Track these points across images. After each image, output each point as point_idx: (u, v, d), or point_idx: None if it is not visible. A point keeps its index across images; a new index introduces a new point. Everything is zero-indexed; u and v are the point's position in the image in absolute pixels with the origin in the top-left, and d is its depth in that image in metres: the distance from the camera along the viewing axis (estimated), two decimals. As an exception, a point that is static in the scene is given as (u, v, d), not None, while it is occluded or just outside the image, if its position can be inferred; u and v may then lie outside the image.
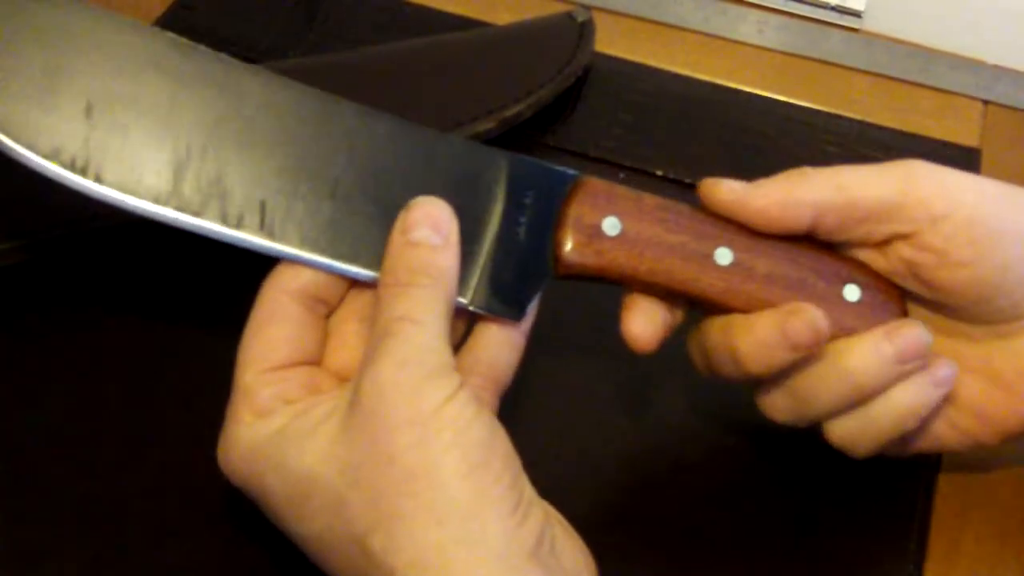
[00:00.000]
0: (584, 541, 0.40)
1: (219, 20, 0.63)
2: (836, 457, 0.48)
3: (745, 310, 0.43)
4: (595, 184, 0.43)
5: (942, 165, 0.43)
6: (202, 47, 0.42)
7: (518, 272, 0.42)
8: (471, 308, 0.42)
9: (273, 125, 0.41)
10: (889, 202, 0.42)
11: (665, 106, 0.62)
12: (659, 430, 0.49)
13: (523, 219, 0.43)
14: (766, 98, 0.63)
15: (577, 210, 0.43)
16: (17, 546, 0.44)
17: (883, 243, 0.43)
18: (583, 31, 0.62)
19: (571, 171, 0.43)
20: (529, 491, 0.38)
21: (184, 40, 0.42)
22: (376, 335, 0.39)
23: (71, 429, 0.47)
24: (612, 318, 0.45)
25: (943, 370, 0.43)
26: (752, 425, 0.49)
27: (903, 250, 0.43)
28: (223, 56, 0.42)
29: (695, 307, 0.44)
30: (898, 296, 0.44)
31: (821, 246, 0.44)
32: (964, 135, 0.63)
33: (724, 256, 0.43)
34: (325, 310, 0.42)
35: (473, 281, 0.42)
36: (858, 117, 0.63)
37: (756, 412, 0.49)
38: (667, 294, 0.43)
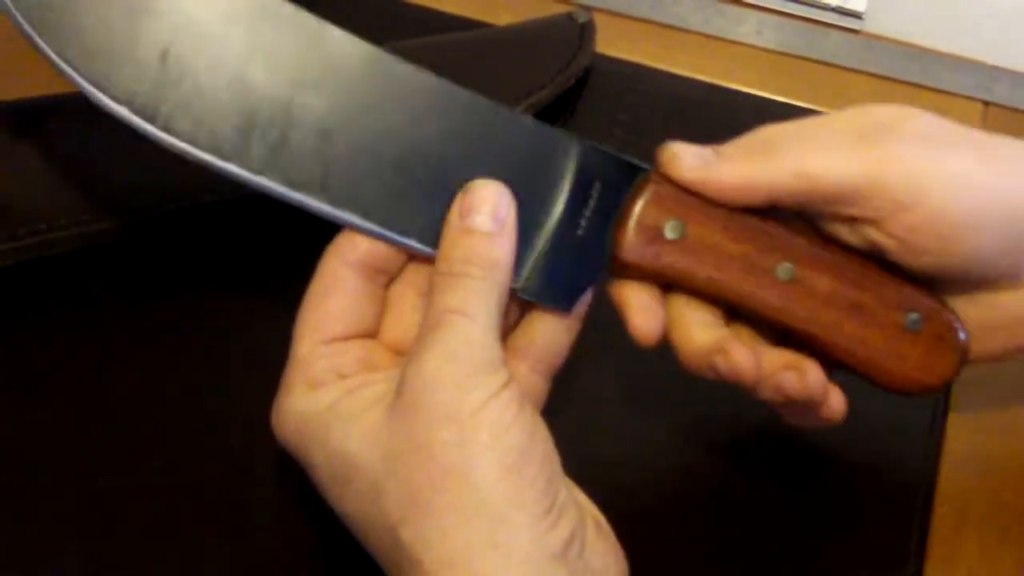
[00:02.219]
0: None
1: (219, 21, 0.63)
2: (836, 458, 0.48)
3: (800, 328, 0.42)
4: (664, 182, 0.42)
5: (930, 139, 0.42)
6: (288, 3, 0.41)
7: (574, 264, 0.41)
8: (521, 295, 0.41)
9: (346, 87, 0.40)
10: (851, 190, 0.41)
11: (665, 107, 0.62)
12: (659, 431, 0.49)
13: (586, 211, 0.41)
14: (766, 99, 0.63)
15: (642, 208, 0.41)
16: (17, 546, 0.44)
17: (849, 220, 0.42)
18: (583, 32, 0.62)
19: (643, 165, 0.42)
20: (564, 492, 0.38)
21: None
22: (427, 325, 0.39)
23: (71, 429, 0.47)
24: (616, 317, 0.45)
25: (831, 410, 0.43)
26: (754, 426, 0.49)
27: (869, 232, 0.42)
28: (305, 11, 0.41)
29: (748, 319, 0.43)
30: (956, 332, 0.43)
31: (888, 267, 0.42)
32: (964, 136, 0.63)
33: (786, 271, 0.42)
34: (385, 279, 0.42)
35: (527, 268, 0.41)
36: (858, 118, 0.63)
37: (757, 414, 0.49)
38: (719, 303, 0.43)
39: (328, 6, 0.64)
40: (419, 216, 0.41)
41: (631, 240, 0.41)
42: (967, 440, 0.50)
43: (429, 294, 0.40)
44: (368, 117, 0.40)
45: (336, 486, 0.39)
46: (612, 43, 0.64)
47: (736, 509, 0.47)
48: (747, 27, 0.67)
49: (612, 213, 0.42)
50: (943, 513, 0.48)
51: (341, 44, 0.41)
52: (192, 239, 0.51)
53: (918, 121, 0.42)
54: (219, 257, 0.48)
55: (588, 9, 0.63)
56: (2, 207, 0.49)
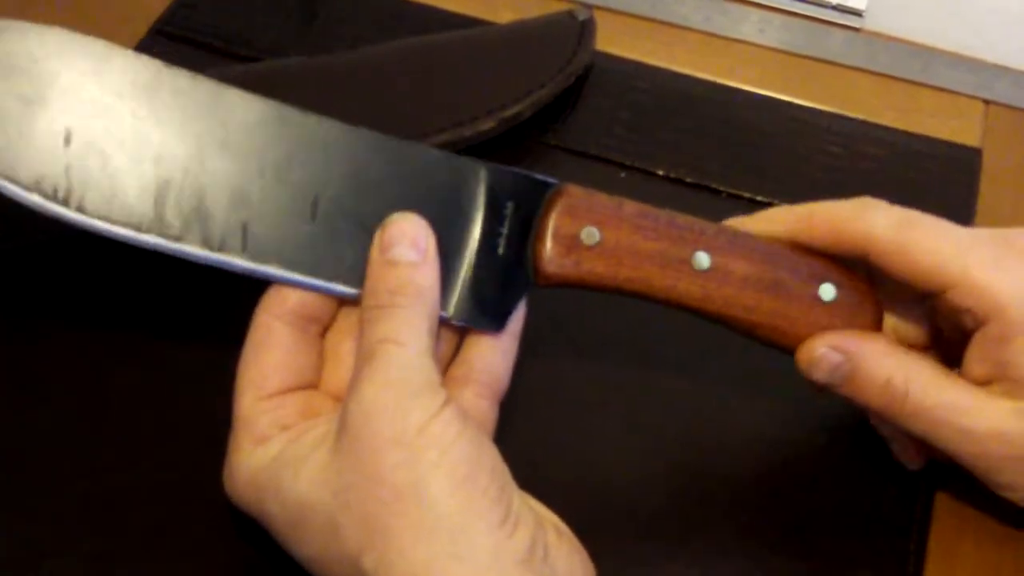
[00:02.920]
0: (583, 544, 0.40)
1: (219, 20, 0.63)
2: (836, 458, 0.48)
3: (723, 313, 0.44)
4: (574, 192, 0.43)
5: None
6: (181, 69, 0.42)
7: (499, 283, 0.43)
8: (453, 321, 0.42)
9: (252, 146, 0.41)
10: None
11: (666, 105, 0.62)
12: (659, 433, 0.49)
13: (503, 230, 0.43)
14: (767, 97, 0.63)
15: (556, 220, 0.43)
16: (17, 546, 0.44)
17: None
18: (584, 30, 0.62)
19: (551, 180, 0.43)
20: (518, 501, 0.39)
21: (162, 63, 0.42)
22: (360, 358, 0.39)
23: (71, 429, 0.47)
24: (617, 321, 0.45)
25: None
26: (752, 426, 0.49)
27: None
28: (200, 77, 0.42)
29: (675, 310, 0.44)
30: (873, 297, 0.45)
31: (797, 247, 0.44)
32: (965, 135, 0.63)
33: (702, 260, 0.43)
34: (318, 329, 0.43)
35: (454, 294, 0.42)
36: (859, 116, 0.63)
37: (756, 414, 0.49)
38: (646, 299, 0.44)
39: (329, 6, 0.64)
40: (342, 260, 0.41)
41: (550, 252, 0.43)
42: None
43: (360, 330, 0.40)
44: (277, 172, 0.41)
45: (294, 531, 0.39)
46: (613, 41, 0.64)
47: (735, 509, 0.47)
48: (748, 25, 0.67)
49: (528, 230, 0.43)
50: (943, 513, 0.48)
51: (239, 105, 0.41)
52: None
53: None
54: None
55: (588, 7, 0.63)
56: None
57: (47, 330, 0.50)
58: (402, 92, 0.57)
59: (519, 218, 0.43)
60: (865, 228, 0.43)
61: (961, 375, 0.44)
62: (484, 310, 0.42)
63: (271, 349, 0.41)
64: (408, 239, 0.41)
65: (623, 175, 0.58)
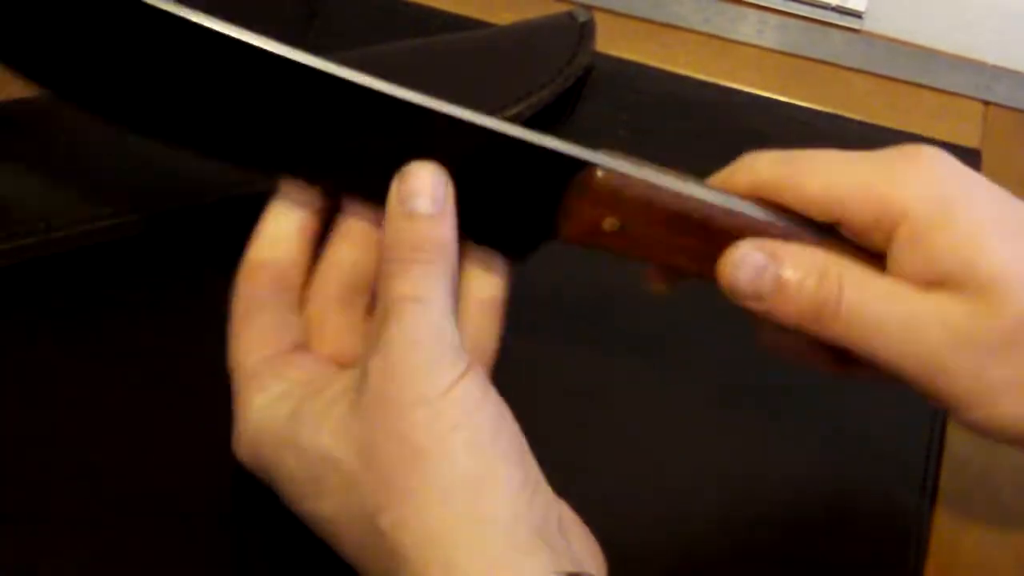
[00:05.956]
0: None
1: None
2: (836, 458, 0.48)
3: None
4: (604, 179, 0.41)
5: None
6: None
7: (526, 218, 0.42)
8: (475, 240, 0.42)
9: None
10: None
11: (665, 106, 0.62)
12: (660, 434, 0.49)
13: (534, 193, 0.42)
14: (766, 98, 0.63)
15: (580, 206, 0.41)
16: (17, 546, 0.44)
17: None
18: (584, 31, 0.62)
19: (589, 159, 0.41)
20: (536, 471, 0.39)
21: None
22: (382, 315, 0.39)
23: (71, 429, 0.47)
24: (617, 311, 0.44)
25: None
26: (753, 427, 0.49)
27: None
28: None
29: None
30: None
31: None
32: (965, 136, 0.63)
33: None
34: (293, 297, 0.43)
35: (479, 216, 0.41)
36: (858, 117, 0.63)
37: (757, 415, 0.49)
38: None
39: (329, 7, 0.64)
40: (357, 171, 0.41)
41: (570, 230, 0.42)
42: (967, 440, 0.50)
43: (379, 281, 0.40)
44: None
45: (311, 486, 0.39)
46: (612, 42, 0.64)
47: (734, 510, 0.47)
48: (747, 26, 0.67)
49: (560, 190, 0.41)
50: (943, 513, 0.48)
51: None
52: (190, 239, 0.51)
53: None
54: (219, 257, 0.48)
55: (588, 8, 0.63)
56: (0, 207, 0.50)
57: (47, 330, 0.50)
58: (402, 93, 0.57)
59: (550, 190, 0.42)
60: (749, 177, 0.42)
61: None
62: (508, 236, 0.42)
63: (260, 313, 0.41)
64: (427, 190, 0.40)
65: (623, 176, 0.58)
